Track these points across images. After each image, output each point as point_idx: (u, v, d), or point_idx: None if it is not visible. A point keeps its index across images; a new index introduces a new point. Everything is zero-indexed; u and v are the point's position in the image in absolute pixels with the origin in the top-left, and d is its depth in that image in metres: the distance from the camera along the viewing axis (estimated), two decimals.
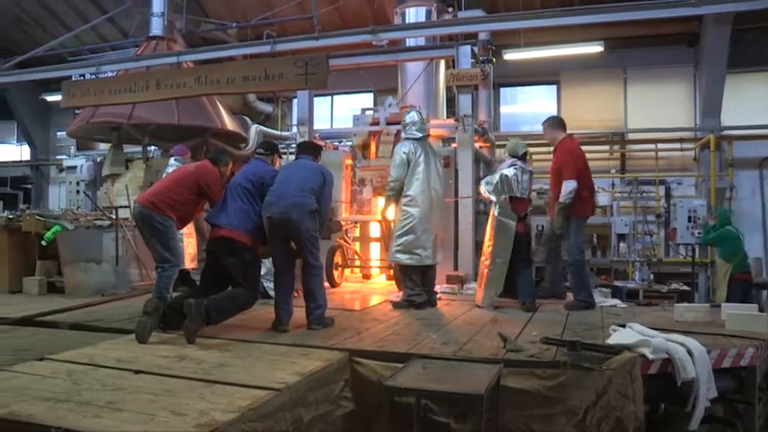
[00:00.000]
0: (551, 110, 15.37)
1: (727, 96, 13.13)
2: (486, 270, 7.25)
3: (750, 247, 11.69)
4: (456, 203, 9.28)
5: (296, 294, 6.14)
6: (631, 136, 14.71)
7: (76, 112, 14.17)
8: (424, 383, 3.85)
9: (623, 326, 5.28)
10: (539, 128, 15.22)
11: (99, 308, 7.03)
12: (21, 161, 20.65)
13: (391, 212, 7.58)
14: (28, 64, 13.67)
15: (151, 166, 12.45)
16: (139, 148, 13.38)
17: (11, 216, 9.30)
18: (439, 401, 4.27)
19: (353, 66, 11.67)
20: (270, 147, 6.58)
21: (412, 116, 7.50)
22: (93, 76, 11.62)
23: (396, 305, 7.21)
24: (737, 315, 5.70)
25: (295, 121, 13.26)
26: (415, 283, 7.22)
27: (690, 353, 4.51)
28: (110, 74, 11.87)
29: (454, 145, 9.87)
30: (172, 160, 8.54)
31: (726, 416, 5.01)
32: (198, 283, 6.51)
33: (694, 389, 4.44)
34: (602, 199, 13.25)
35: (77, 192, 16.60)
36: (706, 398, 4.45)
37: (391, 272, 9.05)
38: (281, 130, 16.42)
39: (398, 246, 7.20)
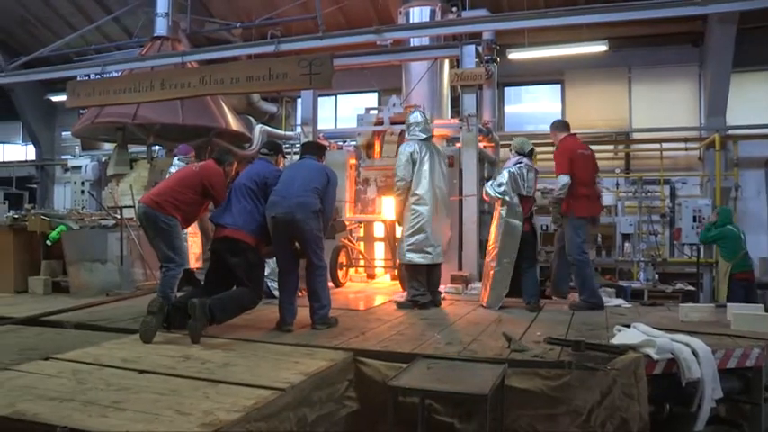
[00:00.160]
0: (556, 109, 15.38)
1: (732, 96, 13.09)
2: (492, 271, 7.25)
3: (756, 246, 11.68)
4: (460, 203, 9.27)
5: (300, 294, 6.14)
6: (636, 135, 14.68)
7: (81, 112, 14.23)
8: (429, 383, 3.85)
9: (628, 326, 5.27)
10: (543, 127, 15.37)
11: (104, 307, 7.04)
12: (26, 161, 20.73)
13: (400, 212, 7.58)
14: (33, 64, 13.71)
15: (155, 166, 12.49)
16: (144, 148, 13.43)
17: (16, 216, 9.32)
18: (443, 401, 4.27)
19: (358, 66, 11.69)
20: (274, 147, 6.58)
21: (416, 117, 7.50)
22: (98, 77, 11.68)
23: (400, 305, 7.21)
24: (743, 315, 5.67)
25: (299, 121, 13.30)
26: (421, 283, 7.22)
27: (695, 353, 4.50)
28: (114, 74, 11.92)
29: (458, 145, 9.86)
30: (176, 160, 8.56)
31: (731, 416, 4.99)
32: (202, 282, 6.51)
33: (699, 389, 4.43)
34: (607, 199, 13.20)
35: (82, 192, 16.66)
36: (711, 398, 4.43)
37: (395, 272, 9.05)
38: (286, 130, 16.44)
39: (410, 245, 7.20)
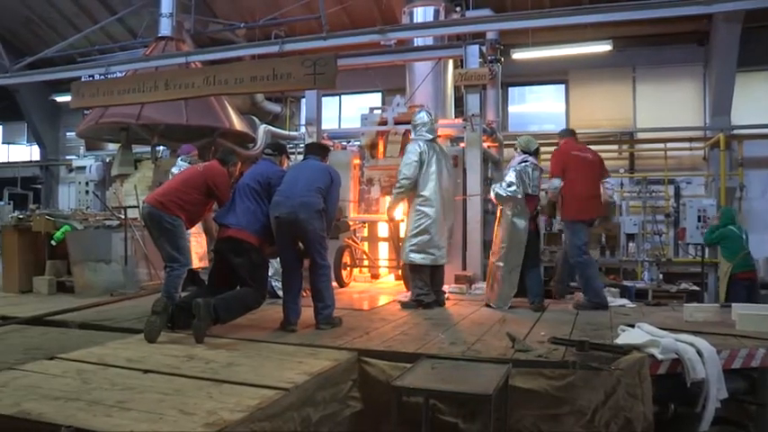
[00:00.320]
0: (560, 109, 15.38)
1: (737, 95, 13.06)
2: (499, 272, 7.24)
3: (760, 246, 11.64)
4: (464, 203, 9.26)
5: (304, 294, 6.14)
6: (640, 135, 14.65)
7: (86, 112, 14.23)
8: (433, 383, 3.85)
9: (632, 326, 5.26)
10: (547, 127, 15.45)
11: (108, 307, 7.06)
12: (31, 161, 20.78)
13: (398, 212, 7.58)
14: (38, 65, 13.75)
15: (160, 166, 12.49)
16: (148, 149, 13.43)
17: (21, 216, 9.34)
18: (447, 401, 4.27)
19: (362, 66, 11.68)
20: (278, 147, 6.59)
21: (422, 117, 7.49)
22: (103, 77, 11.68)
23: (404, 305, 7.21)
24: (748, 315, 5.66)
25: (303, 121, 13.28)
26: (425, 282, 7.22)
27: (699, 353, 4.48)
28: (119, 74, 11.93)
29: (462, 145, 9.85)
30: (179, 160, 8.56)
31: (736, 417, 4.98)
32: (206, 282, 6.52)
33: (704, 389, 4.42)
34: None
35: (87, 192, 16.70)
36: (716, 398, 4.42)
37: (399, 272, 9.05)
38: (290, 130, 16.45)
39: (412, 245, 7.20)
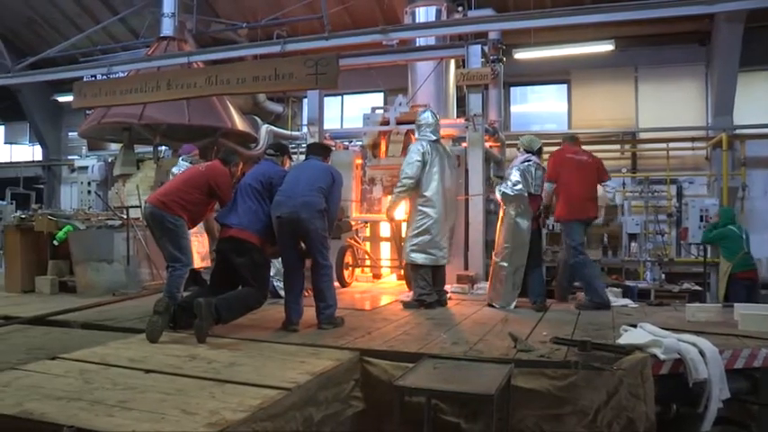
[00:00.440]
0: (562, 109, 15.37)
1: (740, 95, 13.03)
2: (503, 272, 7.24)
3: (763, 246, 11.62)
4: (466, 203, 9.26)
5: (306, 294, 6.14)
6: (642, 135, 14.62)
7: (88, 112, 14.25)
8: (435, 383, 3.85)
9: (634, 326, 5.25)
10: (549, 127, 15.42)
11: (110, 307, 7.07)
12: (33, 161, 20.80)
13: (399, 211, 7.58)
14: (40, 65, 13.77)
15: (162, 166, 12.50)
16: (150, 148, 13.44)
17: (23, 216, 9.35)
18: (449, 401, 4.26)
19: (364, 65, 11.68)
20: (280, 148, 6.60)
21: (427, 117, 7.48)
22: (105, 77, 11.68)
23: (406, 305, 7.21)
24: (750, 315, 5.65)
25: (305, 121, 13.28)
26: (427, 282, 7.22)
27: (702, 353, 4.48)
28: (121, 74, 11.92)
29: (464, 144, 9.86)
30: (180, 160, 8.56)
31: (739, 417, 4.97)
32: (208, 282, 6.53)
33: (706, 389, 4.41)
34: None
35: (89, 192, 16.72)
36: (718, 399, 4.42)
37: (401, 271, 9.06)
38: (292, 130, 16.44)
39: (413, 245, 7.21)
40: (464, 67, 10.28)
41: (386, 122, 10.52)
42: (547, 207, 7.67)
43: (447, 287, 7.77)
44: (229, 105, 13.43)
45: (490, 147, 10.60)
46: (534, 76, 15.12)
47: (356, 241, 9.90)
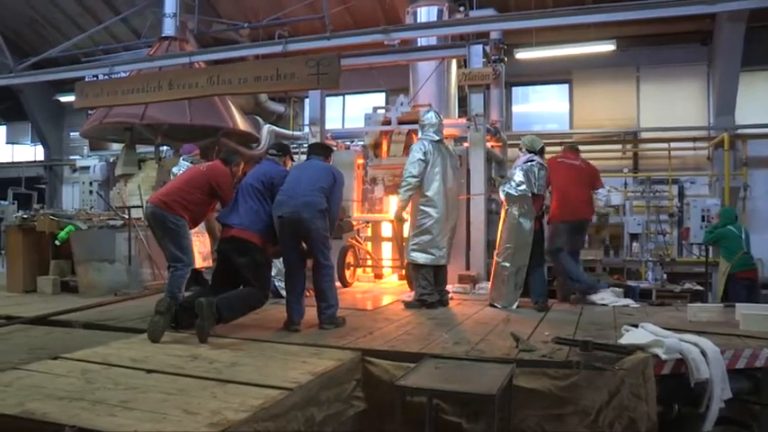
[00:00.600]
0: (563, 109, 15.37)
1: (742, 94, 13.03)
2: (504, 272, 7.24)
3: (764, 246, 11.62)
4: (468, 202, 9.26)
5: (307, 294, 6.15)
6: (644, 135, 14.61)
7: (90, 112, 14.27)
8: (436, 383, 3.85)
9: (636, 326, 5.25)
10: (551, 127, 15.41)
11: (112, 307, 7.07)
12: (35, 161, 20.81)
13: (406, 213, 7.58)
14: (42, 65, 13.76)
15: (164, 166, 12.49)
16: (152, 148, 13.45)
17: (25, 216, 9.36)
18: (451, 401, 4.26)
19: (365, 65, 11.69)
20: (282, 148, 6.60)
21: (430, 118, 7.48)
22: (106, 77, 11.69)
23: (407, 305, 7.21)
24: (752, 315, 5.65)
25: (307, 121, 13.27)
26: (428, 282, 7.22)
27: (703, 353, 4.48)
28: (122, 74, 11.92)
29: (466, 144, 9.86)
30: (181, 160, 8.57)
31: (740, 417, 4.96)
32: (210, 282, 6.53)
33: (708, 389, 4.41)
34: (615, 198, 13.20)
35: (90, 192, 16.72)
36: (720, 399, 4.41)
37: (403, 271, 9.06)
38: (293, 130, 16.43)
39: (414, 245, 7.22)
40: (466, 66, 10.28)
41: (387, 122, 10.52)
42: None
43: (448, 287, 7.77)
44: (231, 105, 13.42)
45: (492, 147, 10.60)
46: (536, 75, 15.12)
47: (357, 241, 9.90)
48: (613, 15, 8.65)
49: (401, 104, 10.45)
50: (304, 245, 5.89)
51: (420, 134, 7.56)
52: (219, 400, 3.52)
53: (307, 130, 12.61)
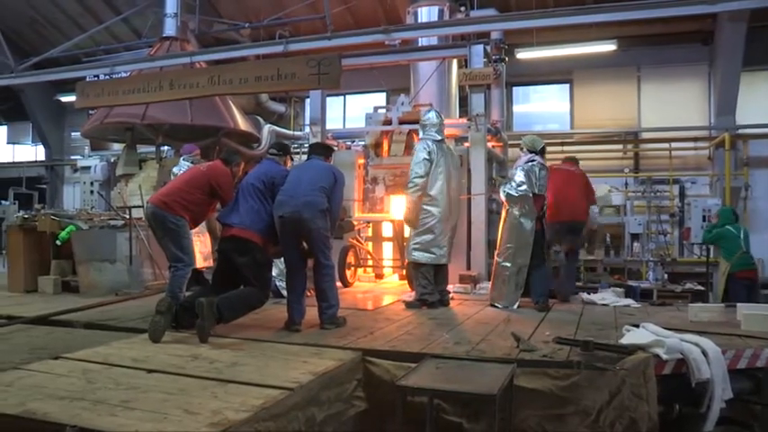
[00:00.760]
0: (564, 109, 15.36)
1: (743, 94, 13.03)
2: (505, 272, 7.24)
3: (765, 246, 11.60)
4: (469, 202, 9.26)
5: (308, 294, 6.14)
6: (645, 135, 14.61)
7: (90, 112, 14.28)
8: (437, 383, 3.85)
9: (637, 326, 5.26)
10: (551, 127, 15.41)
11: (113, 307, 7.07)
12: (36, 161, 20.84)
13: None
14: (43, 65, 13.77)
15: (164, 166, 12.50)
16: (153, 148, 13.46)
17: (26, 216, 9.36)
18: (452, 401, 4.26)
19: (366, 65, 11.70)
20: (282, 148, 6.60)
21: (432, 117, 7.47)
22: (107, 77, 11.71)
23: (408, 305, 7.21)
24: (753, 315, 5.65)
25: (308, 121, 13.30)
26: (428, 281, 7.22)
27: (704, 353, 4.48)
28: (123, 74, 11.95)
29: (467, 144, 9.86)
30: (181, 160, 8.57)
31: (741, 417, 4.96)
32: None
33: (709, 390, 4.41)
34: (616, 198, 13.21)
35: (91, 192, 16.74)
36: (721, 399, 4.42)
37: (404, 271, 9.05)
38: (294, 130, 16.45)
39: (416, 244, 7.22)
40: (466, 66, 10.28)
41: (388, 122, 10.52)
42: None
43: (449, 287, 7.76)
44: (232, 105, 13.43)
45: (492, 147, 10.60)
46: (536, 75, 15.12)
47: (358, 241, 9.90)
48: (614, 15, 8.64)
49: (402, 104, 10.45)
50: (305, 245, 5.89)
51: (422, 134, 7.54)
52: (220, 399, 3.52)
53: (307, 129, 12.64)
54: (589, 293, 8.40)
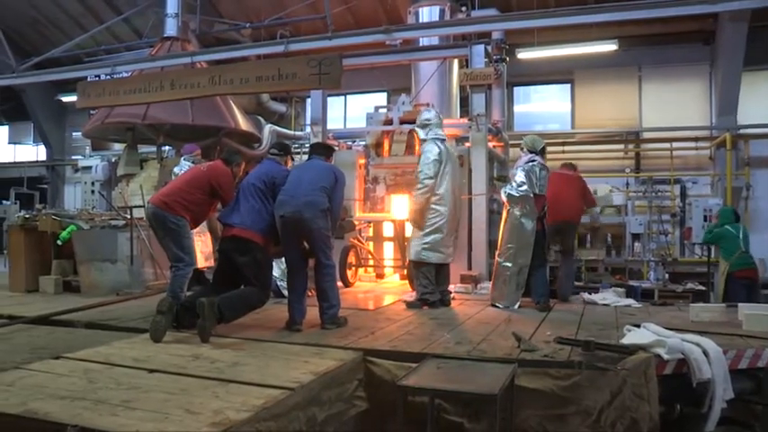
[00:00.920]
0: (565, 109, 15.35)
1: (744, 94, 13.01)
2: (506, 272, 7.24)
3: (766, 246, 11.59)
4: (469, 202, 9.25)
5: (309, 294, 6.14)
6: (646, 135, 14.60)
7: (92, 112, 14.29)
8: (438, 383, 3.85)
9: (638, 326, 5.25)
10: (552, 127, 15.41)
11: (114, 307, 7.07)
12: (37, 161, 20.85)
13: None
14: (44, 65, 13.79)
15: (165, 166, 12.52)
16: (154, 148, 13.48)
17: (27, 216, 9.36)
18: (453, 401, 4.26)
19: (367, 65, 11.70)
20: (283, 147, 6.60)
21: (435, 116, 7.45)
22: (108, 77, 11.72)
23: (409, 305, 7.20)
24: (755, 315, 5.64)
25: (308, 121, 13.29)
26: (429, 281, 7.21)
27: (705, 353, 4.48)
28: (124, 74, 11.96)
29: (468, 144, 9.86)
30: (182, 160, 8.58)
31: (743, 417, 4.96)
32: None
33: (710, 390, 4.41)
34: (617, 198, 13.21)
35: (92, 192, 16.75)
36: (722, 399, 4.41)
37: (405, 271, 9.05)
38: (295, 130, 16.46)
39: (426, 243, 7.18)
40: (467, 66, 10.28)
41: (389, 122, 10.52)
42: None
43: (450, 287, 7.76)
44: (233, 105, 13.44)
45: (493, 147, 10.60)
46: (537, 75, 15.11)
47: (359, 241, 9.90)
48: (615, 15, 8.64)
49: (403, 104, 10.45)
50: (306, 244, 5.89)
51: (426, 134, 7.41)
52: (221, 399, 3.52)
53: (308, 129, 12.64)
54: (590, 293, 8.42)
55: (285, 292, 6.34)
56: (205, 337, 5.08)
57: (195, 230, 6.56)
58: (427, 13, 11.74)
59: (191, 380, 3.94)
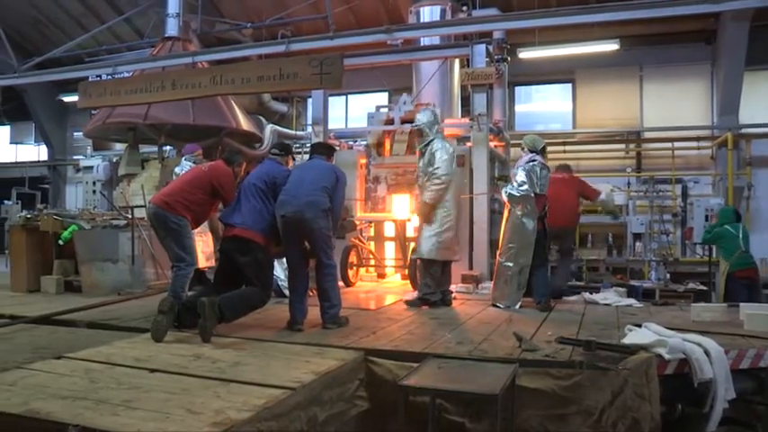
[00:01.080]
0: (566, 108, 15.35)
1: (745, 94, 13.00)
2: (508, 272, 7.24)
3: (766, 246, 11.59)
4: (471, 202, 9.25)
5: (310, 294, 6.14)
6: (647, 134, 14.61)
7: (93, 112, 14.30)
8: (439, 383, 3.85)
9: (639, 326, 5.24)
10: (554, 126, 15.41)
11: (115, 307, 7.08)
12: (38, 161, 20.90)
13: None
14: (45, 65, 13.80)
15: (167, 166, 12.53)
16: (155, 148, 13.49)
17: (29, 216, 9.36)
18: (454, 401, 4.26)
19: (368, 65, 11.70)
20: (284, 147, 6.61)
21: (434, 114, 7.43)
22: (110, 77, 11.71)
23: (409, 304, 7.20)
24: (756, 315, 5.63)
25: (310, 121, 13.29)
26: (435, 281, 7.21)
27: (707, 353, 4.47)
28: (126, 74, 11.95)
29: (469, 144, 9.85)
30: (183, 160, 8.58)
31: (744, 417, 4.95)
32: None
33: (712, 390, 4.40)
34: (618, 198, 13.19)
35: (94, 191, 16.74)
36: (724, 399, 4.41)
37: (406, 271, 9.04)
38: (296, 130, 16.47)
39: (440, 242, 7.17)
40: (469, 66, 10.27)
41: (390, 121, 10.52)
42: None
43: (452, 287, 7.75)
44: (234, 105, 13.45)
45: (495, 146, 10.59)
46: (539, 75, 15.11)
47: (360, 241, 9.90)
48: (617, 15, 8.63)
49: (404, 104, 10.45)
50: (307, 244, 5.89)
51: (433, 132, 7.29)
52: (222, 399, 3.53)
53: (310, 129, 12.63)
54: (591, 293, 8.41)
55: (286, 292, 6.34)
56: (206, 336, 5.09)
57: (196, 230, 6.56)
58: (428, 13, 11.72)
59: (192, 379, 3.95)
